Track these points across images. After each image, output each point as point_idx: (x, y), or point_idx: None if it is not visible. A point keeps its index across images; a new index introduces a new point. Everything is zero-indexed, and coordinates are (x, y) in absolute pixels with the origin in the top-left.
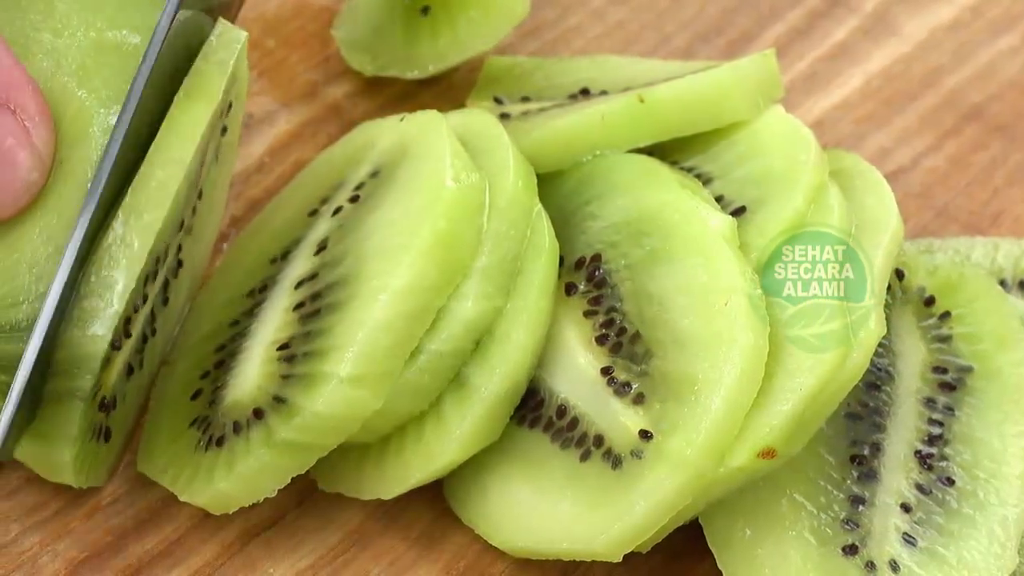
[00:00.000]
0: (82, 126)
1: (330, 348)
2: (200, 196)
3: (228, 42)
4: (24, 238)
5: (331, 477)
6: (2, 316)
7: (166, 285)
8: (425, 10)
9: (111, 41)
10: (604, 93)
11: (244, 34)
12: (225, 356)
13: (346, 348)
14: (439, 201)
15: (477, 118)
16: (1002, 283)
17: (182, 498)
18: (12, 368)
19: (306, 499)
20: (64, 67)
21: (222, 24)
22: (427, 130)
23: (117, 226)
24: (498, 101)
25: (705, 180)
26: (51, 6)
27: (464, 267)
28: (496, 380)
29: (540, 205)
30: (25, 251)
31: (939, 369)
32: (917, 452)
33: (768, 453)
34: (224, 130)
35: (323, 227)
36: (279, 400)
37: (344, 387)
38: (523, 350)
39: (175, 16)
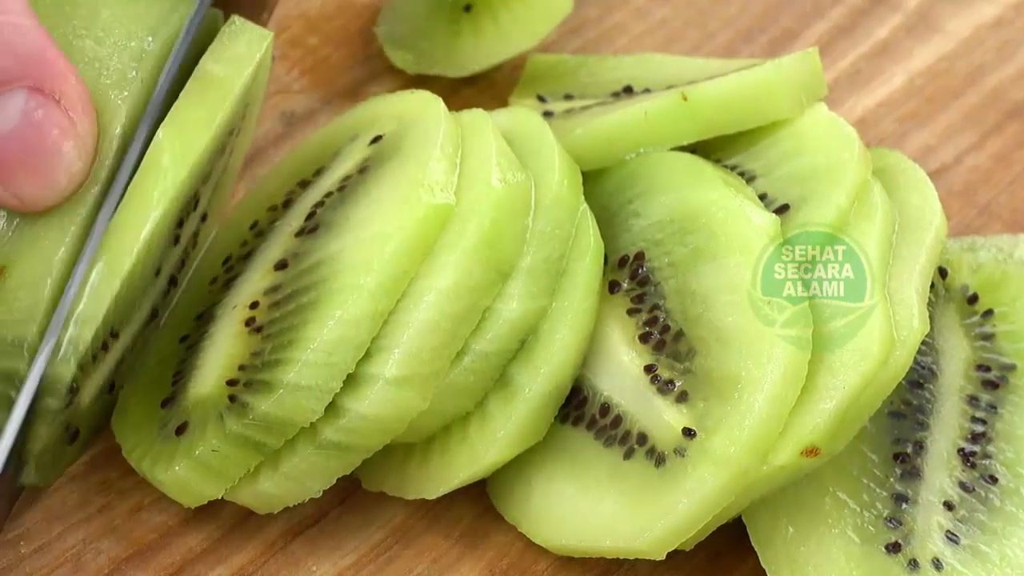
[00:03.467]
0: (122, 139)
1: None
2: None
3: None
4: (52, 252)
5: (375, 477)
6: (14, 330)
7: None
8: (468, 8)
9: (152, 51)
10: (647, 91)
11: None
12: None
13: (392, 349)
14: (485, 200)
15: (523, 117)
16: None
17: (226, 497)
18: (16, 384)
19: (349, 497)
20: (104, 76)
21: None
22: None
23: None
24: (541, 99)
25: (748, 178)
26: (95, 13)
27: (510, 267)
28: (541, 380)
29: (586, 204)
30: (51, 266)
31: (982, 367)
32: (960, 450)
33: (811, 451)
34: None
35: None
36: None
37: (390, 388)
38: (567, 350)
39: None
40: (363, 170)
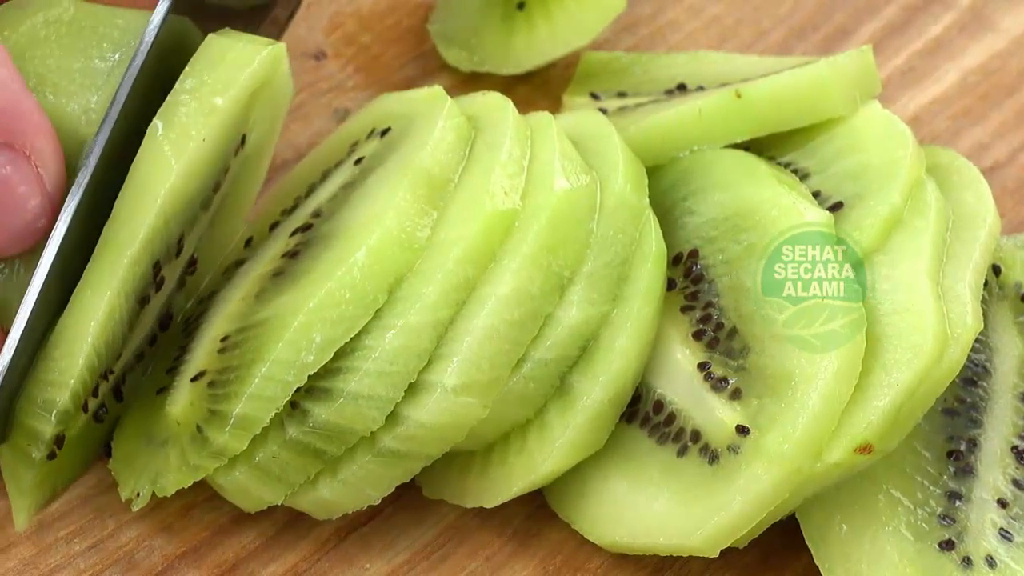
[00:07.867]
0: None
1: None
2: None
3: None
4: (89, 317)
5: (435, 485)
6: (45, 392)
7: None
8: (521, 5)
9: None
10: (701, 89)
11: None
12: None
13: (451, 357)
14: (547, 205)
15: (588, 118)
16: None
17: (284, 502)
18: (38, 446)
19: (402, 495)
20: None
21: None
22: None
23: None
24: (594, 96)
25: (802, 175)
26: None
27: (572, 272)
28: (599, 388)
29: (650, 208)
30: (88, 332)
31: None
32: (1014, 447)
33: (865, 449)
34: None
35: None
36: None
37: (449, 396)
38: (627, 357)
39: (164, 22)
40: None
